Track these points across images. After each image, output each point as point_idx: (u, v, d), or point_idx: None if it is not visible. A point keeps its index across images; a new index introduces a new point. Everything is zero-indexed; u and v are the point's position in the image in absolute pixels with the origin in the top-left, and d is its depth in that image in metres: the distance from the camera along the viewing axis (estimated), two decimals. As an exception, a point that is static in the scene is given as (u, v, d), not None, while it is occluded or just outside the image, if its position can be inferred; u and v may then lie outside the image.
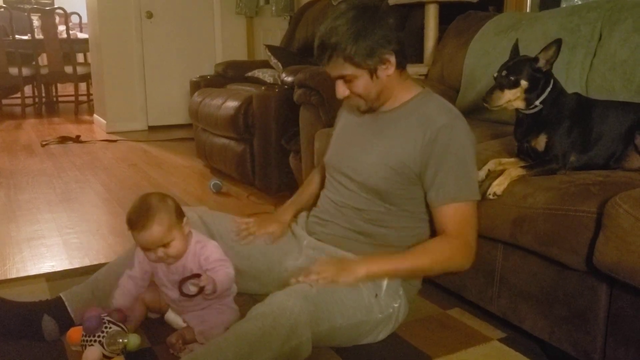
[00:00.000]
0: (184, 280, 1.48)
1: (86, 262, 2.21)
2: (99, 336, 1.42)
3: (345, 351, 1.51)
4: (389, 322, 1.56)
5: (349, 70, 1.49)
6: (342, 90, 1.55)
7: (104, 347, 1.41)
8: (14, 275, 2.09)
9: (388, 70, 1.52)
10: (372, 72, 1.50)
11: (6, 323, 1.56)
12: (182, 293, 1.47)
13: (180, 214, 1.51)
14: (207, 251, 1.52)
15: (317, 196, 1.81)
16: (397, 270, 1.52)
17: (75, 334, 1.46)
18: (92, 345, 1.42)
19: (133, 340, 1.47)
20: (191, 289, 1.47)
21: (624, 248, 1.20)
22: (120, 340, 1.43)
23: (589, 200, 1.33)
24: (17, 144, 4.82)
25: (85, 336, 1.43)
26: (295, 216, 1.81)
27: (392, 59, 1.51)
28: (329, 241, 1.64)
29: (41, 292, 1.87)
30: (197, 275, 1.46)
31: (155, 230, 1.43)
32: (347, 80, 1.52)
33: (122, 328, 1.46)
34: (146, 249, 1.47)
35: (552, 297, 1.44)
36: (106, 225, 2.70)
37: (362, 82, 1.51)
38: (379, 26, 1.46)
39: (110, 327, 1.44)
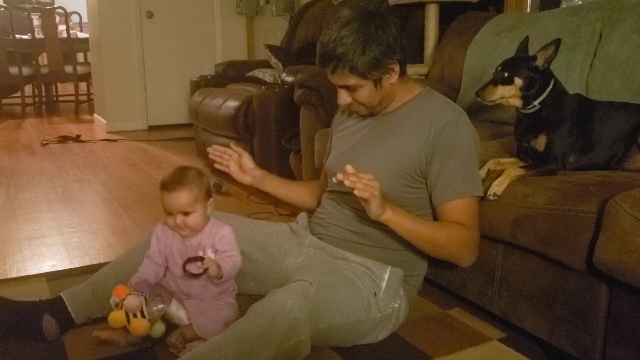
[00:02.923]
0: (189, 261, 1.52)
1: (86, 262, 2.22)
2: (144, 294, 1.50)
3: (345, 351, 1.52)
4: (389, 322, 1.57)
5: (353, 80, 1.49)
6: (344, 97, 1.55)
7: (145, 304, 1.48)
8: (14, 275, 2.09)
9: (392, 78, 1.52)
10: (377, 82, 1.51)
11: (6, 322, 1.56)
12: (185, 271, 1.52)
13: (208, 194, 1.59)
14: (224, 231, 1.59)
15: (302, 196, 1.88)
16: (417, 232, 1.49)
17: (122, 289, 1.51)
18: (138, 297, 1.48)
19: (159, 326, 1.52)
20: (194, 270, 1.51)
21: (624, 248, 1.20)
22: (161, 306, 1.49)
23: (589, 201, 1.33)
24: (18, 144, 4.82)
25: (132, 291, 1.49)
26: (264, 181, 1.81)
27: (397, 67, 1.51)
28: (330, 242, 1.65)
29: (41, 292, 1.87)
30: (201, 258, 1.51)
31: (184, 195, 1.51)
32: (351, 89, 1.52)
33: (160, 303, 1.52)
34: (169, 212, 1.55)
35: (552, 296, 1.44)
36: (106, 224, 2.70)
37: (366, 91, 1.52)
38: (385, 36, 1.45)
39: (155, 297, 1.51)
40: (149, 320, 1.49)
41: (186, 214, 1.53)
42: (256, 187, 1.82)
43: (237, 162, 1.75)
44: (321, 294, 1.39)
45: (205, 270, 1.47)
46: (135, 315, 1.47)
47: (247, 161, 1.75)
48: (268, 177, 1.82)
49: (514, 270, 1.55)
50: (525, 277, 1.51)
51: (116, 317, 1.49)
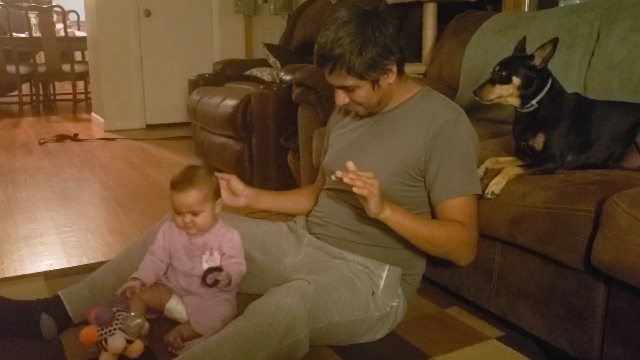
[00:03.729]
0: (208, 271, 1.51)
1: (84, 261, 2.21)
2: (116, 324, 1.44)
3: (344, 350, 1.52)
4: (387, 320, 1.57)
5: (351, 81, 1.49)
6: (342, 98, 1.55)
7: (124, 332, 1.44)
8: (11, 274, 2.08)
9: (389, 79, 1.52)
10: (375, 83, 1.51)
11: (4, 322, 1.56)
12: (203, 281, 1.51)
13: (217, 194, 1.61)
14: (232, 235, 1.61)
15: (298, 204, 1.85)
16: (416, 231, 1.49)
17: (90, 333, 1.44)
18: (113, 334, 1.43)
19: (146, 325, 1.49)
20: (209, 280, 1.51)
21: (621, 247, 1.20)
22: (138, 321, 1.45)
23: (587, 199, 1.33)
24: (15, 142, 4.81)
25: (102, 330, 1.44)
26: (258, 198, 1.79)
27: (394, 68, 1.51)
28: (328, 241, 1.65)
29: (39, 291, 1.87)
30: (219, 269, 1.51)
31: (193, 195, 1.53)
32: (349, 89, 1.52)
33: (131, 314, 1.48)
34: (178, 211, 1.56)
35: (550, 295, 1.44)
36: (104, 223, 2.70)
37: (364, 91, 1.52)
38: (382, 37, 1.45)
39: (121, 314, 1.47)
40: (137, 337, 1.46)
41: (195, 213, 1.54)
42: (252, 207, 1.79)
43: (227, 187, 1.73)
44: (320, 293, 1.40)
45: (218, 281, 1.48)
46: (125, 348, 1.44)
47: (236, 183, 1.74)
48: (261, 194, 1.81)
49: (512, 269, 1.55)
50: (524, 276, 1.52)
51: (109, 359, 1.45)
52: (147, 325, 1.49)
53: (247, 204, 1.76)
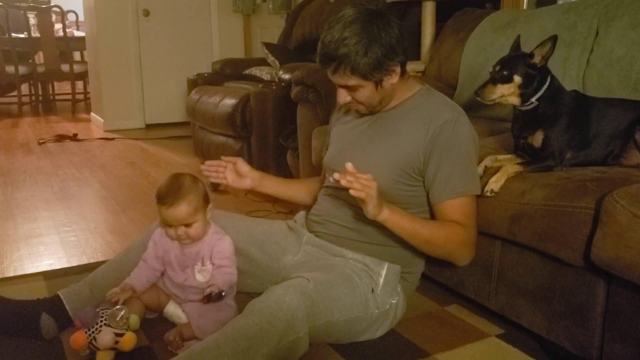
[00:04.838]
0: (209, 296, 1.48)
1: (84, 260, 2.21)
2: (101, 321, 1.45)
3: (343, 348, 1.52)
4: (387, 318, 1.57)
5: (354, 81, 1.48)
6: (343, 96, 1.55)
7: (111, 327, 1.44)
8: (11, 274, 2.08)
9: (393, 79, 1.52)
10: (378, 83, 1.50)
11: (4, 321, 1.56)
12: (207, 296, 1.47)
13: (206, 199, 1.57)
14: (223, 244, 1.58)
15: (301, 193, 1.87)
16: (414, 232, 1.49)
17: (79, 337, 1.45)
18: (100, 331, 1.43)
19: (132, 317, 1.50)
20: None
21: (621, 244, 1.20)
22: (122, 313, 1.45)
23: (587, 197, 1.33)
24: (15, 142, 4.81)
25: (89, 330, 1.44)
26: (263, 181, 1.79)
27: (398, 69, 1.51)
28: (327, 239, 1.65)
29: (39, 291, 1.87)
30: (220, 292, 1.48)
31: (183, 209, 1.49)
32: (352, 89, 1.52)
33: (115, 308, 1.48)
34: (169, 225, 1.53)
35: (550, 293, 1.44)
36: (104, 223, 2.70)
37: (367, 91, 1.52)
38: (387, 38, 1.45)
39: (106, 311, 1.47)
40: (127, 329, 1.47)
41: (188, 225, 1.52)
42: (256, 189, 1.80)
43: (233, 169, 1.74)
44: (319, 290, 1.40)
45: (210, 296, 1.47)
46: (117, 342, 1.44)
47: (242, 165, 1.75)
48: (266, 177, 1.82)
49: (511, 266, 1.55)
50: (523, 274, 1.52)
51: (105, 357, 1.45)
52: (134, 316, 1.49)
53: (252, 186, 1.76)
